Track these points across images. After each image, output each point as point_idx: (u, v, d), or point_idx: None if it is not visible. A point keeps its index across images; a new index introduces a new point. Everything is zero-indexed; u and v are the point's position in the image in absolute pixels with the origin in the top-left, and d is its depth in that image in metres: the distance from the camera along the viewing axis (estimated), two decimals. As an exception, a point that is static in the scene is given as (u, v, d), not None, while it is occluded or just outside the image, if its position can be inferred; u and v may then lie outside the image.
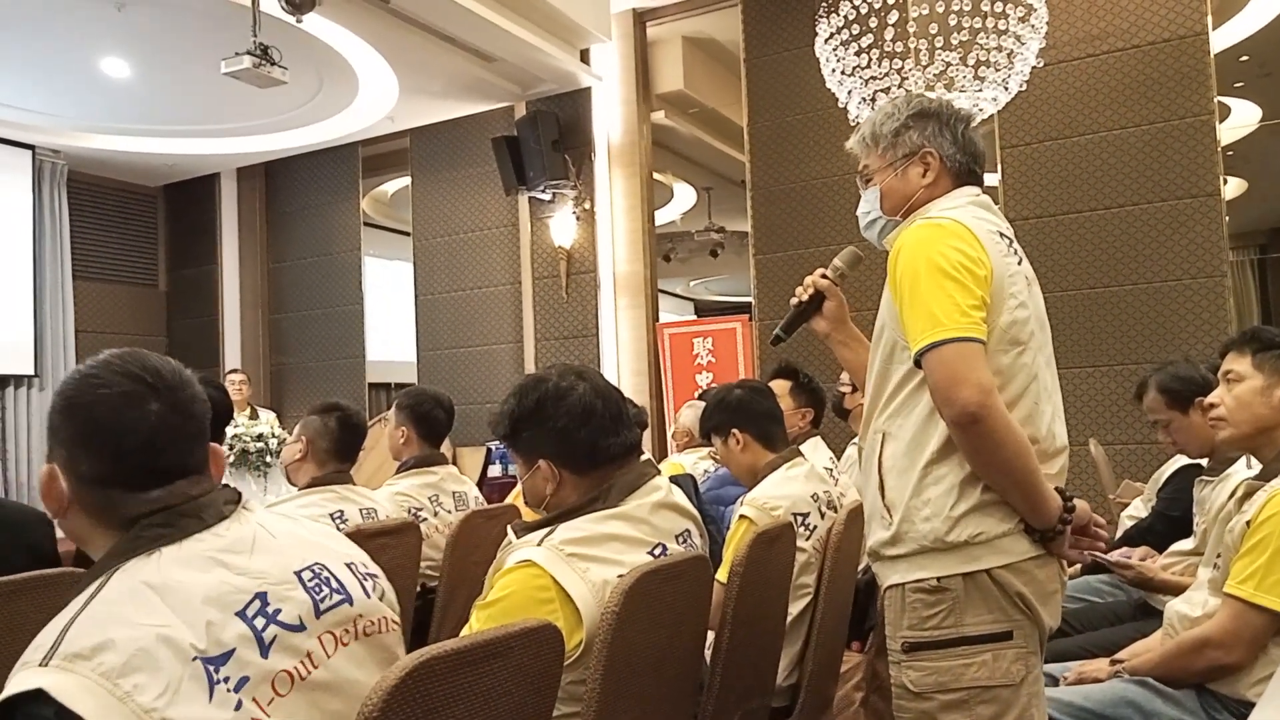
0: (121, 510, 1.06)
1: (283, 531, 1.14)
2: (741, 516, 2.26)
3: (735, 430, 2.52)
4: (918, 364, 1.50)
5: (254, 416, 6.34)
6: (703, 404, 4.07)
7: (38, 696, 0.88)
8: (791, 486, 2.37)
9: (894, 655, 1.58)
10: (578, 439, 1.61)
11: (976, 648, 1.50)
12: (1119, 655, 2.03)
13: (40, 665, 0.91)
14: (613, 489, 1.62)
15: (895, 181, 1.70)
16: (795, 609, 2.26)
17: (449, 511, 3.08)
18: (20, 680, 0.90)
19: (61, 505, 1.09)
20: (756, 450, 2.51)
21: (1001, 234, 1.59)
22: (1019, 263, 1.59)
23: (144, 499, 1.06)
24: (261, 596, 1.03)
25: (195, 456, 1.11)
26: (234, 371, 6.97)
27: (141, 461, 1.06)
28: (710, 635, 1.83)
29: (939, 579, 1.52)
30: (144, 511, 1.06)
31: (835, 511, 2.40)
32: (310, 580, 1.09)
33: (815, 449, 3.25)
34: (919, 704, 1.54)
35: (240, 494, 1.16)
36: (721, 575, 1.85)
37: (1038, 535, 1.51)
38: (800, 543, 2.26)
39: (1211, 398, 2.01)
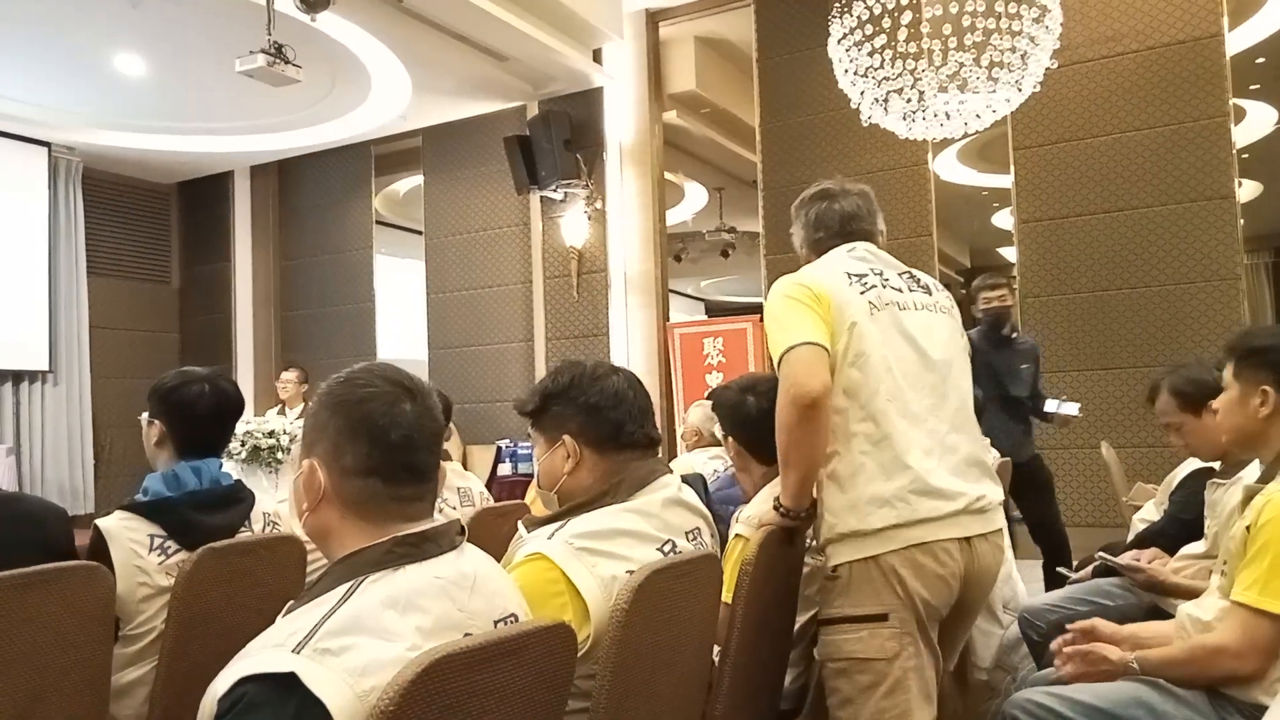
0: (375, 502, 1.17)
1: (492, 575, 1.25)
2: (736, 535, 2.22)
3: (730, 438, 2.50)
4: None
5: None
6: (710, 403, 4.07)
7: (288, 677, 0.97)
8: None
9: None
10: (605, 417, 1.65)
11: (856, 625, 1.81)
12: (1136, 636, 2.01)
13: (294, 651, 1.00)
14: (623, 484, 1.63)
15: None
16: (802, 618, 2.23)
17: (454, 508, 3.08)
18: (274, 660, 0.99)
19: (316, 499, 1.18)
20: (748, 460, 2.48)
21: (850, 274, 1.92)
22: (869, 289, 1.90)
23: (399, 493, 1.18)
24: (469, 636, 1.11)
25: (435, 456, 1.24)
26: (290, 368, 6.62)
27: (401, 456, 1.18)
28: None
29: (834, 567, 1.86)
30: (395, 507, 1.18)
31: None
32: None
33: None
34: (823, 671, 1.89)
35: (464, 527, 1.27)
36: (726, 596, 1.82)
37: (784, 511, 1.87)
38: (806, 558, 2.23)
39: (1215, 404, 2.03)
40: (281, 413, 6.26)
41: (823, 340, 1.81)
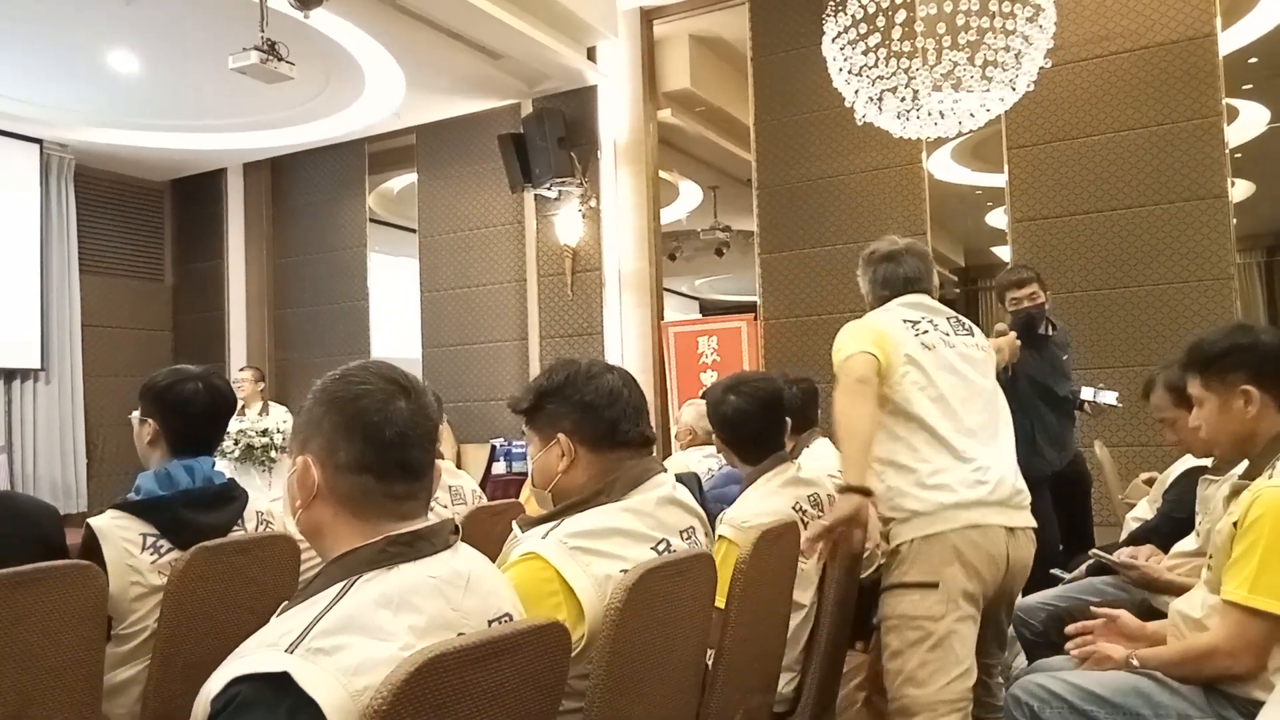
0: (369, 499, 1.17)
1: (487, 574, 1.25)
2: (721, 537, 2.20)
3: (714, 438, 2.57)
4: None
5: (265, 412, 6.32)
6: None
7: (281, 677, 0.97)
8: (770, 501, 2.30)
9: None
10: (600, 415, 1.66)
11: (911, 589, 2.19)
12: (1160, 634, 2.01)
13: (287, 651, 1.00)
14: (618, 482, 1.63)
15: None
16: (794, 620, 2.22)
17: (445, 506, 3.07)
18: (267, 659, 1.00)
19: (309, 495, 1.18)
20: (732, 458, 2.49)
21: (906, 320, 2.35)
22: (922, 334, 2.33)
23: (392, 491, 1.18)
24: (462, 636, 1.11)
25: (429, 455, 1.22)
26: (244, 368, 6.93)
27: (395, 453, 1.17)
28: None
29: (898, 544, 2.23)
30: (388, 505, 1.18)
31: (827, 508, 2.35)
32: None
33: (822, 447, 3.26)
34: (880, 628, 2.28)
35: (458, 526, 1.27)
36: (719, 601, 1.81)
37: (845, 487, 2.11)
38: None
39: (1193, 421, 2.02)
40: (241, 413, 6.24)
41: (875, 353, 2.24)
